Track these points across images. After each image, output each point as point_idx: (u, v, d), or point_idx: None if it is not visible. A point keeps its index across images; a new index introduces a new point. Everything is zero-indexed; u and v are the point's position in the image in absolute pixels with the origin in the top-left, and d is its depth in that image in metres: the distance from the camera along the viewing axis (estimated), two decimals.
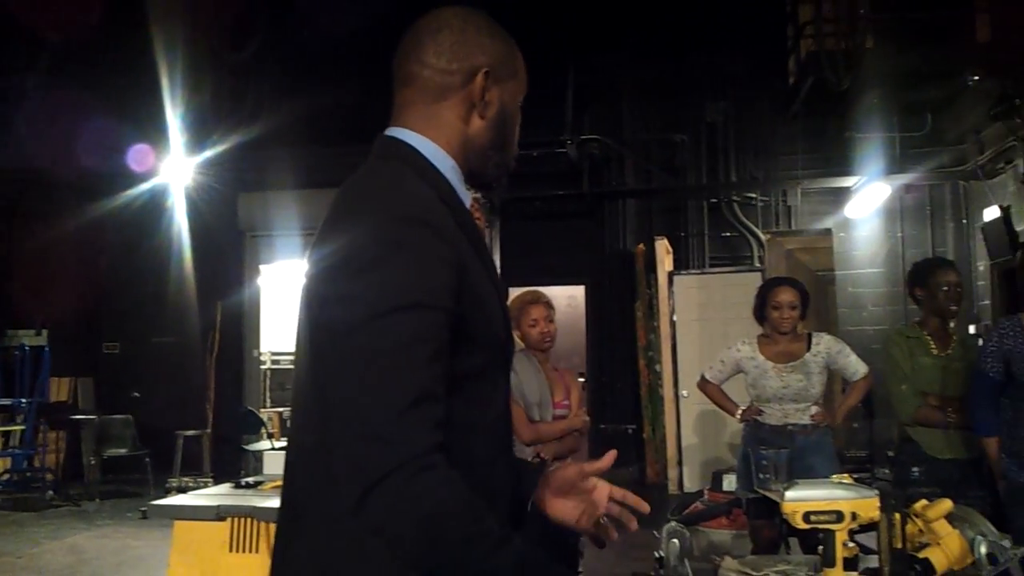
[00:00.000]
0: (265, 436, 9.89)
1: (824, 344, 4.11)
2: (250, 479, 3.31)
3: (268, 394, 13.93)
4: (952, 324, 3.76)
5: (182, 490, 8.39)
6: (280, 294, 14.91)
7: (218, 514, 2.81)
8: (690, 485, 8.40)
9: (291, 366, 12.89)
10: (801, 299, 4.09)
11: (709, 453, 8.40)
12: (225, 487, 3.35)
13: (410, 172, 1.24)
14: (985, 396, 3.08)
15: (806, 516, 2.09)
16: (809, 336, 4.15)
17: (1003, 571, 2.00)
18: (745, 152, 9.66)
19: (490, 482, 1.26)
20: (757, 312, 4.22)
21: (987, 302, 8.35)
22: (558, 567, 1.21)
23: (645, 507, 1.41)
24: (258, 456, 9.35)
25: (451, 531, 1.09)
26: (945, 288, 3.62)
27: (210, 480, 8.68)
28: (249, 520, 2.77)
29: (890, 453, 6.17)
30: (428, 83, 1.30)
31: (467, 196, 1.34)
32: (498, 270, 1.37)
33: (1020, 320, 2.91)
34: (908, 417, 3.64)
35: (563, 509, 1.38)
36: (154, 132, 9.04)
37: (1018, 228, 7.35)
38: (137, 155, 8.99)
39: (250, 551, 2.75)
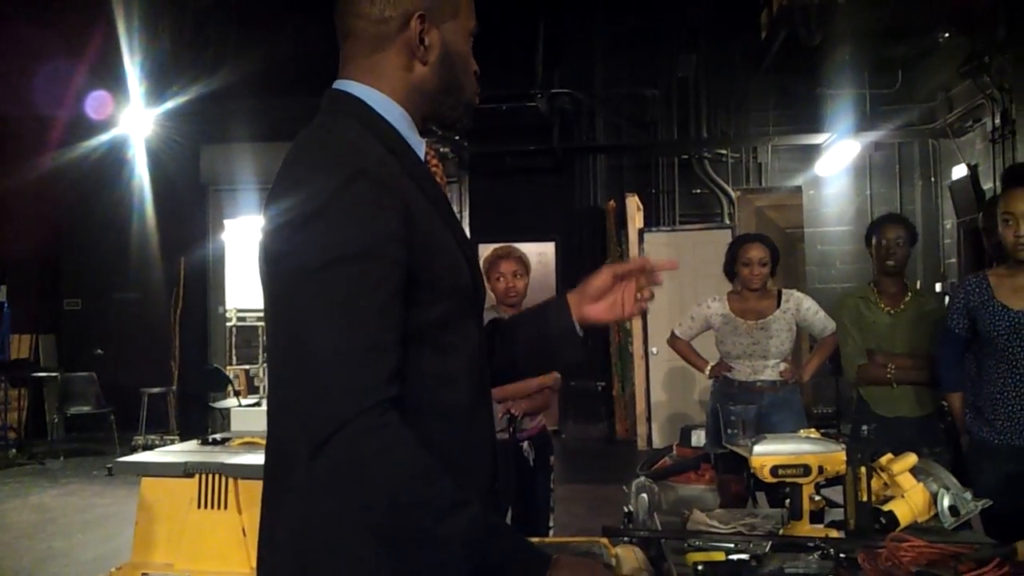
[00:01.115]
0: (232, 394, 9.84)
1: (794, 301, 4.12)
2: (217, 436, 3.27)
3: (234, 351, 13.84)
4: (907, 281, 3.76)
5: (148, 448, 8.32)
6: (244, 249, 14.76)
7: (186, 470, 2.78)
8: (659, 441, 8.48)
9: (258, 323, 12.83)
10: (771, 256, 4.09)
11: (678, 409, 8.48)
12: (192, 444, 3.32)
13: (355, 123, 1.23)
14: (950, 353, 3.09)
15: (774, 470, 2.10)
16: (779, 293, 4.16)
17: (964, 522, 2.03)
18: (716, 108, 9.62)
19: (469, 431, 1.26)
20: (727, 268, 4.22)
21: (953, 260, 8.45)
22: (513, 537, 1.19)
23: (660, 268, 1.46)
24: (224, 413, 9.31)
25: (400, 493, 1.08)
26: (884, 243, 3.62)
27: (176, 438, 8.63)
28: (217, 476, 2.74)
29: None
30: (365, 33, 1.28)
31: (420, 144, 1.32)
32: (461, 221, 1.35)
33: (985, 277, 2.92)
34: (852, 376, 3.67)
35: (608, 311, 1.45)
36: (112, 80, 8.77)
37: (985, 186, 7.41)
38: (95, 102, 8.73)
39: (218, 507, 2.72)
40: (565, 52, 9.69)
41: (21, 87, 8.42)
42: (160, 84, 8.97)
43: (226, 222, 10.86)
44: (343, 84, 1.31)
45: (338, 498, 1.10)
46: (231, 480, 2.76)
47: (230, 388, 9.48)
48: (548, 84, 9.49)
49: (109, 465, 7.36)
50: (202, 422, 9.66)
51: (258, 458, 2.94)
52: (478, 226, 9.17)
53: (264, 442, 3.08)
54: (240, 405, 8.99)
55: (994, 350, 2.83)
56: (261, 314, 15.38)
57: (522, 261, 3.70)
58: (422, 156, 1.31)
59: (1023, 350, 2.76)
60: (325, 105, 1.30)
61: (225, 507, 2.74)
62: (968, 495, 1.99)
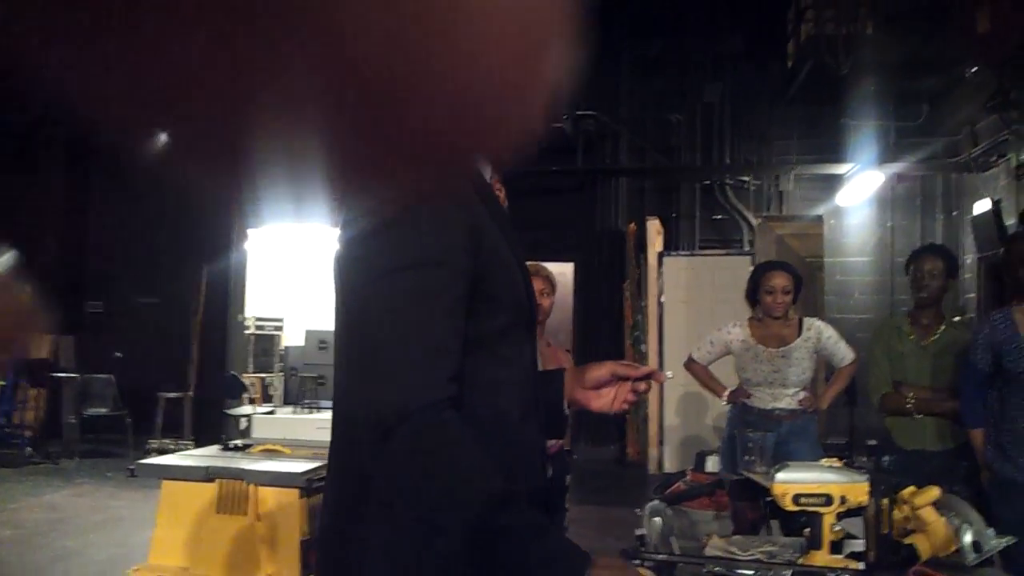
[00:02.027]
0: (247, 401, 9.87)
1: (815, 330, 4.12)
2: (238, 442, 3.30)
3: (251, 359, 13.90)
4: (943, 313, 3.75)
5: (162, 451, 8.36)
6: (266, 259, 14.84)
7: (207, 475, 2.79)
8: (670, 466, 8.45)
9: (275, 332, 12.86)
10: (794, 284, 4.09)
11: (690, 434, 8.45)
12: (213, 449, 3.34)
13: None
14: (973, 388, 3.09)
15: (795, 498, 2.09)
16: (800, 321, 4.16)
17: (985, 560, 2.02)
18: (740, 135, 9.64)
19: (520, 438, 1.34)
20: (749, 295, 4.22)
21: (973, 295, 8.40)
22: (558, 537, 1.22)
23: (661, 377, 1.60)
24: (239, 421, 9.33)
25: (456, 486, 1.13)
26: (920, 274, 3.62)
27: (191, 443, 8.67)
28: (237, 483, 2.76)
29: (871, 442, 6.24)
30: None
31: (486, 169, 1.41)
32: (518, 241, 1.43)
33: (1010, 313, 2.92)
34: (875, 403, 3.68)
35: (598, 401, 1.55)
36: None
37: (1008, 222, 7.37)
38: None
39: (237, 513, 2.74)
40: (592, 74, 9.74)
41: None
42: None
43: (249, 231, 10.95)
44: None
45: (395, 486, 1.17)
46: (251, 486, 2.77)
47: (245, 396, 9.51)
48: (574, 105, 9.55)
49: (131, 467, 7.37)
50: (217, 428, 9.67)
51: (278, 465, 2.97)
52: None
53: (285, 449, 3.09)
54: (255, 413, 9.03)
55: (1019, 386, 2.82)
56: (279, 323, 15.51)
57: (549, 280, 3.71)
58: (487, 179, 1.41)
59: None
60: None
61: (244, 513, 2.75)
62: (991, 532, 1.98)
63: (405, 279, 1.17)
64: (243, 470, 2.81)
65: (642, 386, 1.55)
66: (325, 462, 2.89)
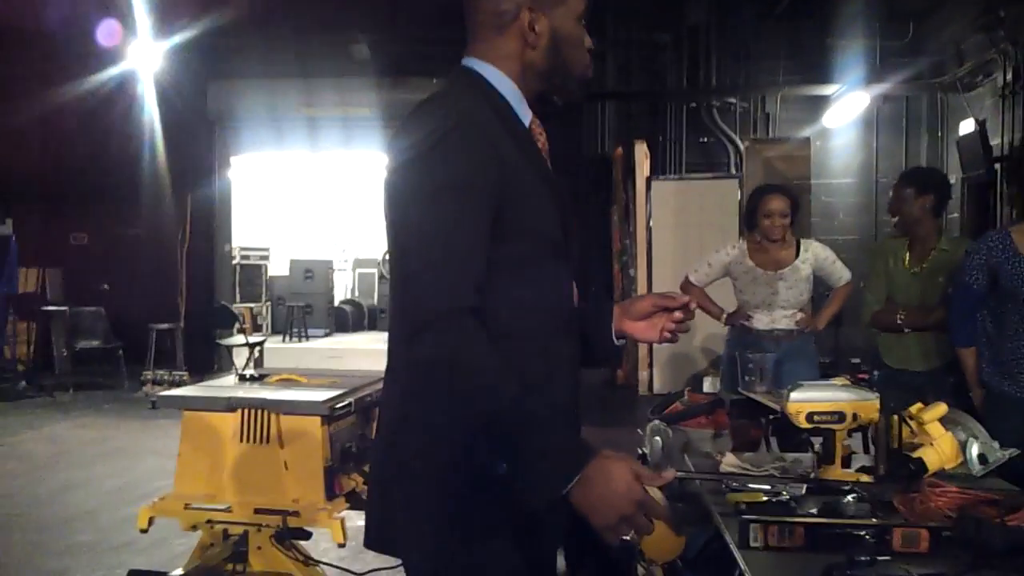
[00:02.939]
0: (238, 331, 9.92)
1: (812, 251, 4.19)
2: (254, 372, 3.36)
3: (238, 290, 13.91)
4: (936, 237, 3.81)
5: (157, 383, 8.43)
6: (250, 188, 14.71)
7: (229, 405, 2.85)
8: (660, 387, 8.62)
9: (261, 261, 12.91)
10: (792, 207, 4.14)
11: (679, 356, 8.60)
12: (230, 379, 3.40)
13: (468, 91, 1.48)
14: (965, 308, 3.16)
15: (809, 416, 2.17)
16: (798, 243, 4.22)
17: (991, 471, 2.13)
18: (726, 56, 9.56)
19: (546, 357, 1.47)
20: (747, 219, 4.27)
21: (956, 215, 8.51)
22: (562, 434, 1.36)
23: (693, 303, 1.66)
24: (230, 351, 9.41)
25: (473, 382, 1.30)
26: (903, 198, 3.70)
27: (184, 373, 8.73)
28: (259, 411, 2.82)
29: (854, 360, 6.39)
30: (486, 21, 1.50)
31: (527, 115, 1.54)
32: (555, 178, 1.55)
33: (1008, 233, 2.99)
34: (865, 320, 3.78)
35: (644, 332, 1.65)
36: (120, 12, 8.67)
37: (993, 142, 7.44)
38: (105, 30, 8.63)
39: (260, 441, 2.81)
40: None
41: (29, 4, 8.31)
42: (168, 18, 8.87)
43: (232, 158, 10.83)
44: (469, 61, 1.53)
45: (423, 380, 1.35)
46: (273, 415, 2.84)
47: (236, 325, 9.56)
48: None
49: (153, 399, 7.42)
50: (208, 359, 9.75)
51: (297, 394, 3.03)
52: None
53: (301, 379, 3.16)
54: (247, 343, 9.10)
55: (1017, 305, 2.91)
56: (264, 253, 15.48)
57: None
58: (527, 123, 1.53)
59: None
60: (452, 78, 1.53)
61: (267, 441, 2.82)
62: (996, 444, 2.08)
63: (434, 202, 1.35)
64: (266, 400, 2.87)
65: (678, 315, 1.63)
66: (344, 390, 2.97)
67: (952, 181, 8.57)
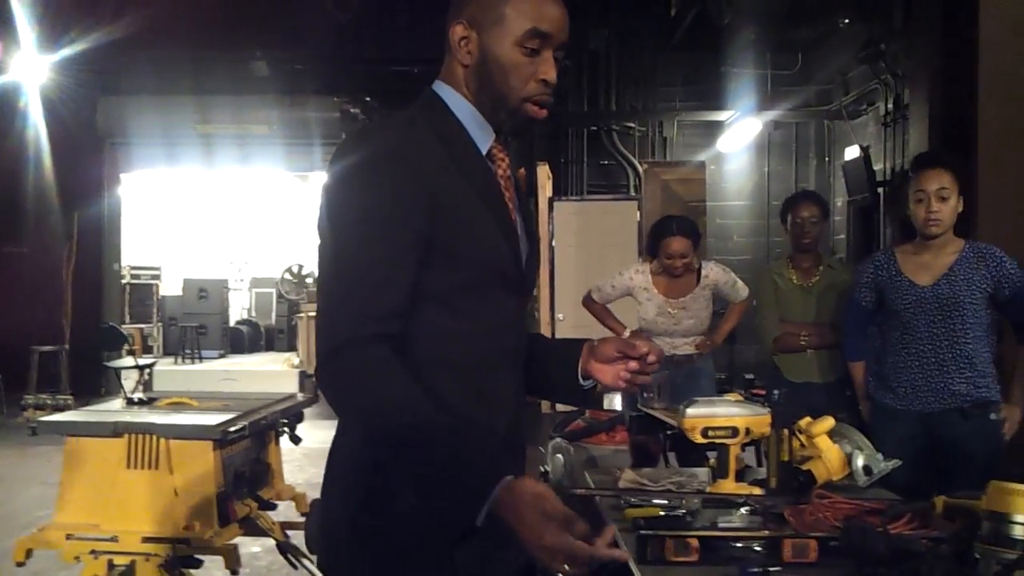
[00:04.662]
0: (127, 353, 9.54)
1: (712, 276, 4.25)
2: (143, 396, 3.22)
3: (128, 310, 13.39)
4: (820, 255, 3.98)
5: (39, 407, 8.02)
6: (140, 206, 14.21)
7: (115, 430, 2.73)
8: (563, 405, 8.65)
9: (152, 281, 12.46)
10: (693, 246, 4.14)
11: None
12: (116, 404, 3.25)
13: (418, 116, 1.45)
14: (855, 323, 3.31)
15: (704, 431, 2.22)
16: (699, 270, 4.27)
17: (876, 481, 2.21)
18: (626, 81, 9.78)
19: (480, 390, 1.43)
20: (649, 249, 4.27)
21: (842, 236, 8.90)
22: (477, 460, 1.25)
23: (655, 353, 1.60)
24: (119, 373, 9.03)
25: (377, 406, 1.28)
26: (799, 221, 3.85)
27: (69, 397, 8.33)
28: (147, 436, 2.71)
29: (748, 376, 6.58)
30: (447, 39, 1.48)
31: (486, 137, 1.48)
32: (511, 205, 1.49)
33: (892, 253, 3.13)
34: (769, 345, 3.91)
35: (604, 373, 1.59)
36: (1, 21, 8.29)
37: (876, 167, 7.81)
38: None
39: (149, 467, 2.70)
40: None
41: None
42: (55, 30, 8.52)
43: (123, 175, 10.46)
44: (436, 83, 1.51)
45: (332, 406, 1.34)
46: (162, 440, 2.73)
47: (125, 347, 9.19)
48: None
49: (33, 424, 7.01)
50: (96, 382, 9.34)
51: (187, 418, 2.92)
52: None
53: (192, 402, 3.05)
54: (136, 365, 8.75)
55: (899, 323, 3.04)
56: (155, 272, 14.96)
57: None
58: (485, 148, 1.47)
59: (925, 323, 2.98)
60: (417, 101, 1.51)
61: (156, 467, 2.71)
62: (880, 456, 2.16)
63: (351, 231, 1.34)
64: (154, 424, 2.75)
65: (632, 364, 1.56)
66: (238, 413, 2.87)
67: (839, 204, 9.00)
